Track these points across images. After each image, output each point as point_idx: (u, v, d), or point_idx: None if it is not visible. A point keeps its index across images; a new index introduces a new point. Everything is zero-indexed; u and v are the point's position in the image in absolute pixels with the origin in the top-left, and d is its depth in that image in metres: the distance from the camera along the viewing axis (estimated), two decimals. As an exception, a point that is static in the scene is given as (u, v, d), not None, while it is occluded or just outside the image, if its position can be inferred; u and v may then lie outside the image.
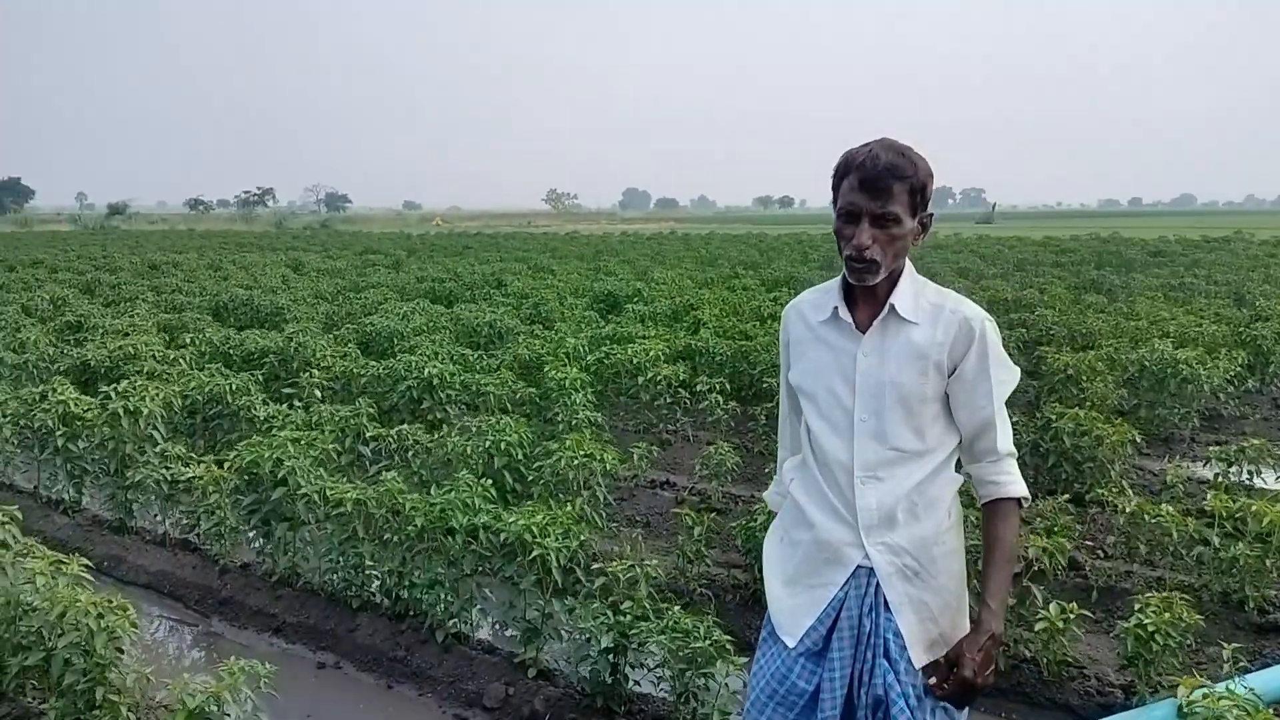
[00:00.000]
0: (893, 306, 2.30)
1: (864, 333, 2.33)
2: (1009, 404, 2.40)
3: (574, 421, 6.76)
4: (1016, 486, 2.36)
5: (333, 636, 4.64)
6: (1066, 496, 5.08)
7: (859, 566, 2.32)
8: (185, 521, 5.56)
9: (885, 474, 2.31)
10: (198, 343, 9.09)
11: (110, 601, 3.63)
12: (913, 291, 2.35)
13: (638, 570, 3.88)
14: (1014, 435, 5.85)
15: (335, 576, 4.79)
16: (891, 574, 2.30)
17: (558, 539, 3.99)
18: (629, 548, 5.35)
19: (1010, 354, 7.48)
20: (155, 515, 5.84)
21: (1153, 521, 4.72)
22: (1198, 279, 16.77)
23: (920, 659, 2.30)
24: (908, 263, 2.36)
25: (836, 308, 2.36)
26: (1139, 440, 6.06)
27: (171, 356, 8.20)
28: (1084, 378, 7.39)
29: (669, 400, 7.84)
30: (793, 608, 2.39)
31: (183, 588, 5.26)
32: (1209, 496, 4.71)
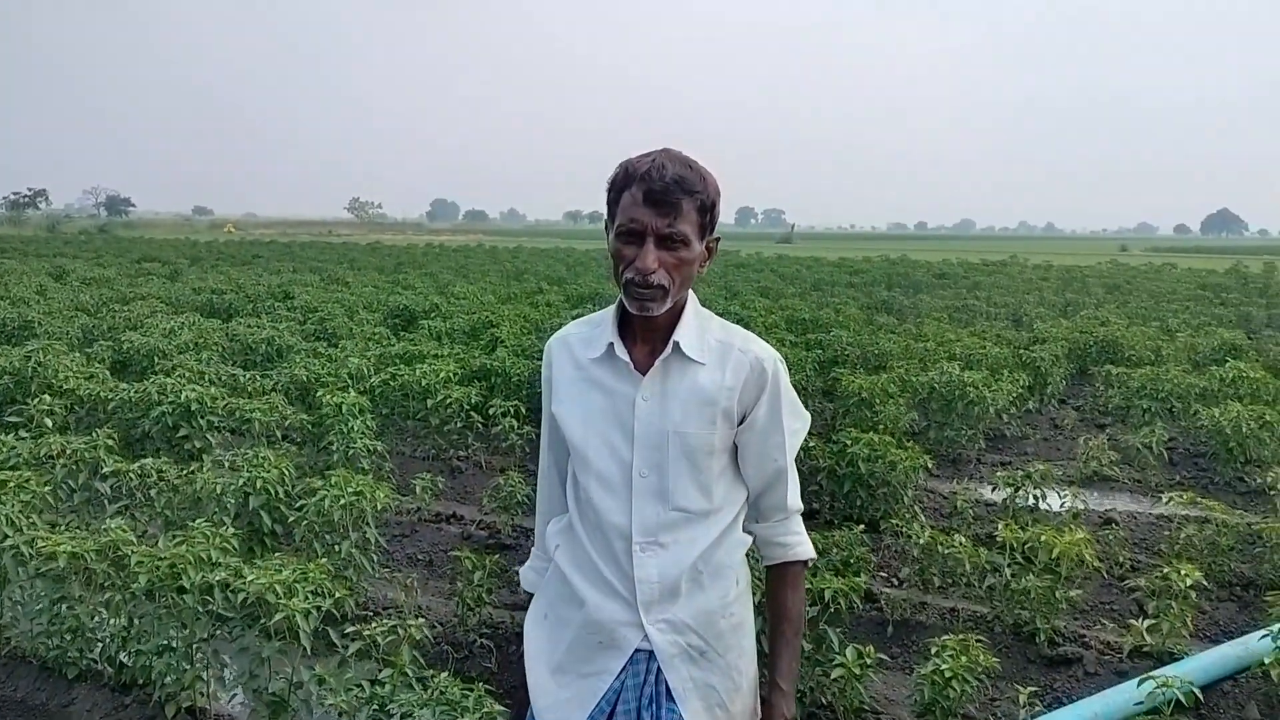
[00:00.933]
0: (677, 344, 1.98)
1: (644, 374, 2.00)
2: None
3: (350, 451, 6.19)
4: (805, 548, 2.09)
5: (44, 713, 3.94)
6: (862, 526, 4.94)
7: (637, 650, 1.97)
8: None
9: (668, 539, 1.98)
10: (-88, 362, 7.91)
11: None
12: (698, 327, 2.04)
13: (400, 632, 3.41)
14: (812, 460, 5.63)
15: (49, 641, 4.08)
16: (674, 656, 1.97)
17: (307, 598, 3.48)
18: (404, 594, 4.89)
19: (808, 375, 7.39)
20: None
21: (946, 552, 4.64)
22: (979, 301, 17.64)
23: (708, 753, 1.98)
24: (692, 295, 2.05)
25: (612, 344, 2.02)
26: (929, 464, 6.07)
27: None
28: (877, 400, 7.42)
29: (460, 425, 7.37)
30: (561, 701, 2.02)
31: None
32: (1000, 527, 4.68)
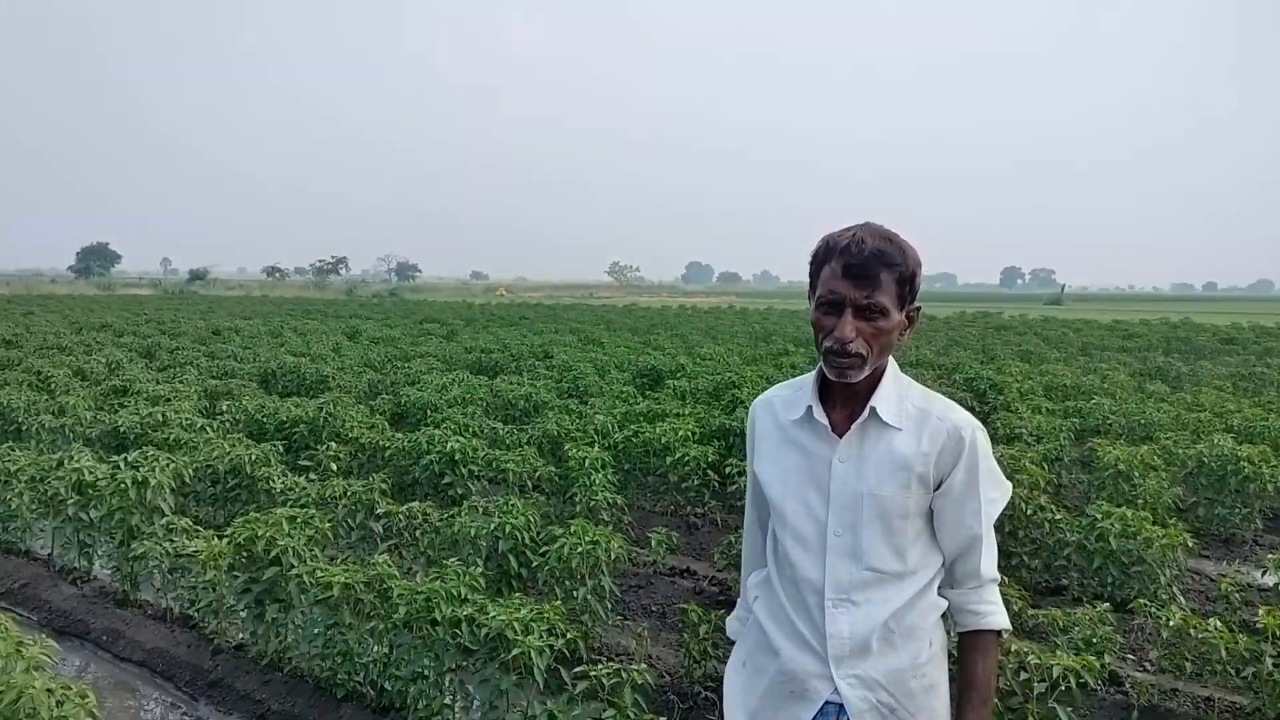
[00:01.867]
0: (874, 409, 2.07)
1: (840, 436, 2.10)
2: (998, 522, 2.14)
3: (592, 503, 6.53)
4: (998, 617, 2.10)
5: (316, 727, 4.42)
6: (1107, 605, 4.69)
7: (828, 702, 2.06)
8: (187, 597, 5.42)
9: (860, 597, 2.06)
10: (233, 410, 9.07)
11: (69, 687, 3.47)
12: (896, 393, 2.12)
13: (624, 675, 3.60)
14: (1060, 533, 5.45)
15: (323, 663, 4.59)
16: (865, 711, 2.04)
17: (541, 636, 3.75)
18: (635, 643, 5.10)
19: (1063, 445, 7.09)
20: (159, 589, 5.71)
21: (1200, 636, 4.33)
22: (1270, 369, 16.08)
23: (892, 808, 2.02)
24: (891, 361, 2.14)
25: (810, 407, 2.14)
26: (1191, 544, 5.64)
27: (199, 424, 8.15)
28: (1136, 473, 6.97)
29: (698, 482, 7.57)
30: None
31: (175, 667, 5.10)
32: (1260, 613, 4.31)
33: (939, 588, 2.15)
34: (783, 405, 2.23)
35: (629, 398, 10.76)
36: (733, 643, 2.38)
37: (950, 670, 2.17)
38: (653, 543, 6.20)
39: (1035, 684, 3.60)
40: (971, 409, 10.34)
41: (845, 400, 2.12)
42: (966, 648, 2.12)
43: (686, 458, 7.51)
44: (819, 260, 2.07)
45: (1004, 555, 5.98)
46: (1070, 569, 5.96)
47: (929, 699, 2.08)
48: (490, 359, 15.86)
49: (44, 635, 3.74)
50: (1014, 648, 3.70)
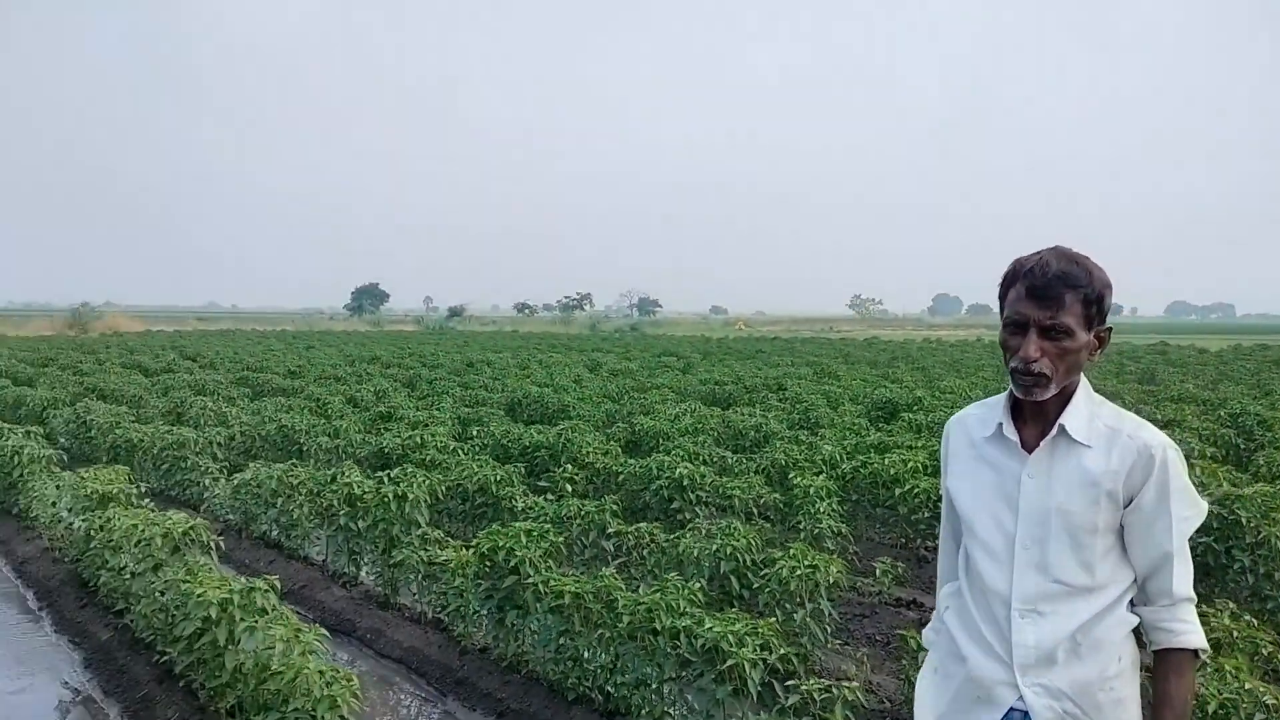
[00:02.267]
0: (1063, 427, 2.13)
1: (1030, 453, 2.17)
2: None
3: (816, 530, 6.61)
4: (1193, 636, 2.08)
5: (548, 726, 4.76)
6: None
7: (1012, 709, 2.12)
8: (438, 602, 5.94)
9: (1047, 609, 2.11)
10: (481, 435, 9.78)
11: (337, 670, 3.95)
12: (1087, 412, 2.15)
13: (835, 691, 3.70)
14: None
15: (555, 666, 4.92)
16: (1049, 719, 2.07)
17: (755, 650, 3.90)
18: (854, 667, 5.14)
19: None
20: (415, 594, 6.27)
21: None
22: None
23: (1079, 818, 2.05)
24: (1083, 380, 2.18)
25: (1001, 424, 2.21)
26: None
27: (452, 447, 8.86)
28: None
29: (928, 515, 7.47)
30: None
31: (428, 665, 5.60)
32: None
33: (1132, 604, 2.16)
34: (976, 423, 2.30)
35: (860, 430, 10.72)
36: None
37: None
38: (877, 572, 6.21)
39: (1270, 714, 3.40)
40: (1235, 446, 9.61)
41: (1036, 418, 2.18)
42: (1160, 666, 2.11)
43: (916, 490, 7.44)
44: (1006, 283, 2.15)
45: (1257, 598, 5.58)
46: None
47: (1117, 712, 2.08)
48: (724, 391, 16.15)
49: (318, 627, 4.27)
50: (1249, 685, 3.51)
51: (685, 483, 7.40)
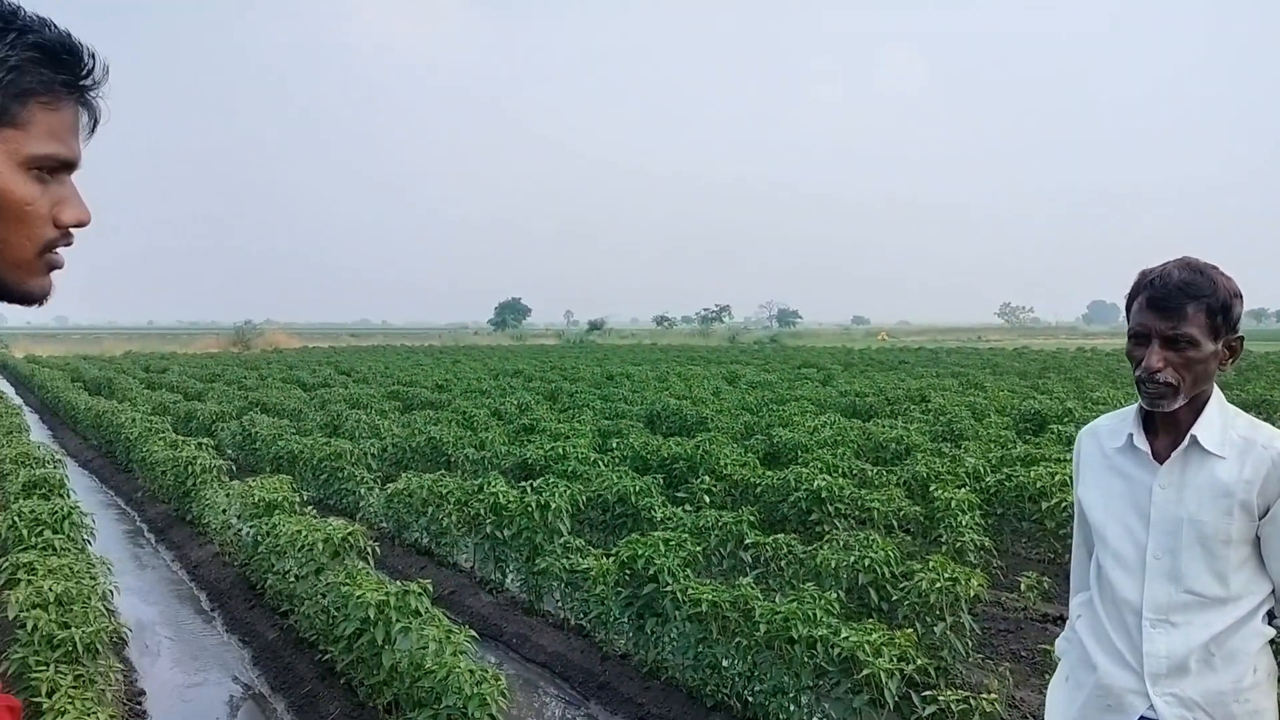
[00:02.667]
0: (1195, 438, 2.12)
1: (1161, 464, 2.16)
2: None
3: (959, 544, 6.51)
4: None
5: (688, 732, 4.86)
6: None
7: (1142, 717, 2.11)
8: (580, 609, 6.13)
9: (1179, 619, 2.10)
10: (621, 447, 9.98)
11: (485, 670, 4.15)
12: (1220, 422, 2.14)
13: (972, 703, 3.68)
14: None
15: (694, 673, 5.02)
16: None
17: (891, 660, 3.91)
18: (997, 682, 5.06)
19: None
20: (558, 601, 6.48)
21: None
22: None
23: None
24: (1216, 391, 2.16)
25: (1132, 435, 2.21)
26: None
27: (592, 458, 9.08)
28: None
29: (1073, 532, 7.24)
30: None
31: (571, 669, 5.79)
32: None
33: (1271, 616, 2.12)
34: (1107, 434, 2.31)
35: (1006, 442, 10.46)
36: None
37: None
38: (1022, 587, 6.08)
39: None
40: None
41: (1167, 429, 2.17)
42: (1304, 678, 2.07)
43: (1064, 504, 7.23)
44: (1132, 294, 2.16)
45: None
46: None
47: None
48: (864, 402, 15.96)
49: (467, 629, 4.49)
50: None
51: (823, 495, 7.39)
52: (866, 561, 5.46)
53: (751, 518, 6.58)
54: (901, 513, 7.13)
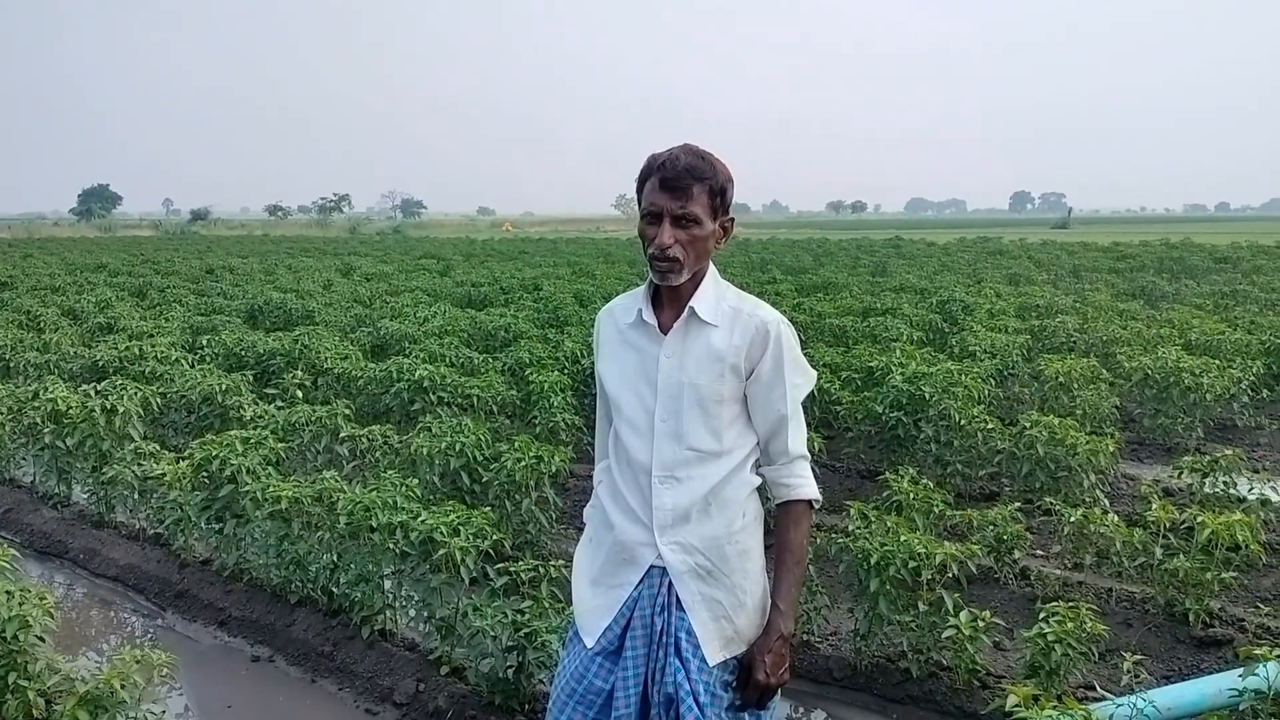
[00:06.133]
0: (693, 309, 2.31)
1: (667, 335, 2.34)
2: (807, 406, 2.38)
3: (551, 424, 6.81)
4: (807, 489, 2.35)
5: (271, 631, 4.75)
6: (1017, 505, 4.97)
7: (653, 566, 2.33)
8: (156, 516, 5.74)
9: (682, 474, 2.32)
10: (212, 344, 9.35)
11: (29, 590, 3.77)
12: (714, 295, 2.35)
13: (541, 570, 3.90)
14: (992, 442, 5.83)
15: (277, 572, 4.89)
16: (683, 572, 2.30)
17: (467, 538, 4.03)
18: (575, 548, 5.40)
19: (1016, 360, 7.35)
20: (130, 510, 6.03)
21: (1098, 530, 4.61)
22: (1253, 287, 16.20)
23: (715, 657, 2.30)
24: (711, 266, 2.37)
25: (641, 310, 2.37)
26: (1115, 450, 5.88)
27: (175, 358, 8.44)
28: (1076, 385, 7.21)
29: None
30: (593, 608, 2.40)
31: (146, 581, 5.43)
32: (1154, 506, 4.58)
33: (756, 466, 2.41)
34: (621, 311, 2.47)
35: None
36: None
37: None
38: (607, 459, 6.48)
39: (924, 571, 3.87)
40: (941, 330, 10.55)
41: (672, 304, 2.36)
42: (781, 517, 2.38)
43: (648, 380, 7.75)
44: (643, 177, 2.29)
45: (939, 464, 6.23)
46: (1003, 476, 6.23)
47: (741, 561, 2.34)
48: (479, 292, 16.09)
49: (8, 548, 4.04)
50: (905, 538, 3.97)
51: (425, 384, 7.38)
52: (459, 446, 5.55)
53: (348, 410, 6.45)
54: (500, 398, 7.31)
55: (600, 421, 2.61)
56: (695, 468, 2.32)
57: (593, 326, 2.71)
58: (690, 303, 2.31)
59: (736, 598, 2.32)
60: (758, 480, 2.40)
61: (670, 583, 2.31)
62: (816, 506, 2.42)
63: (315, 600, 4.79)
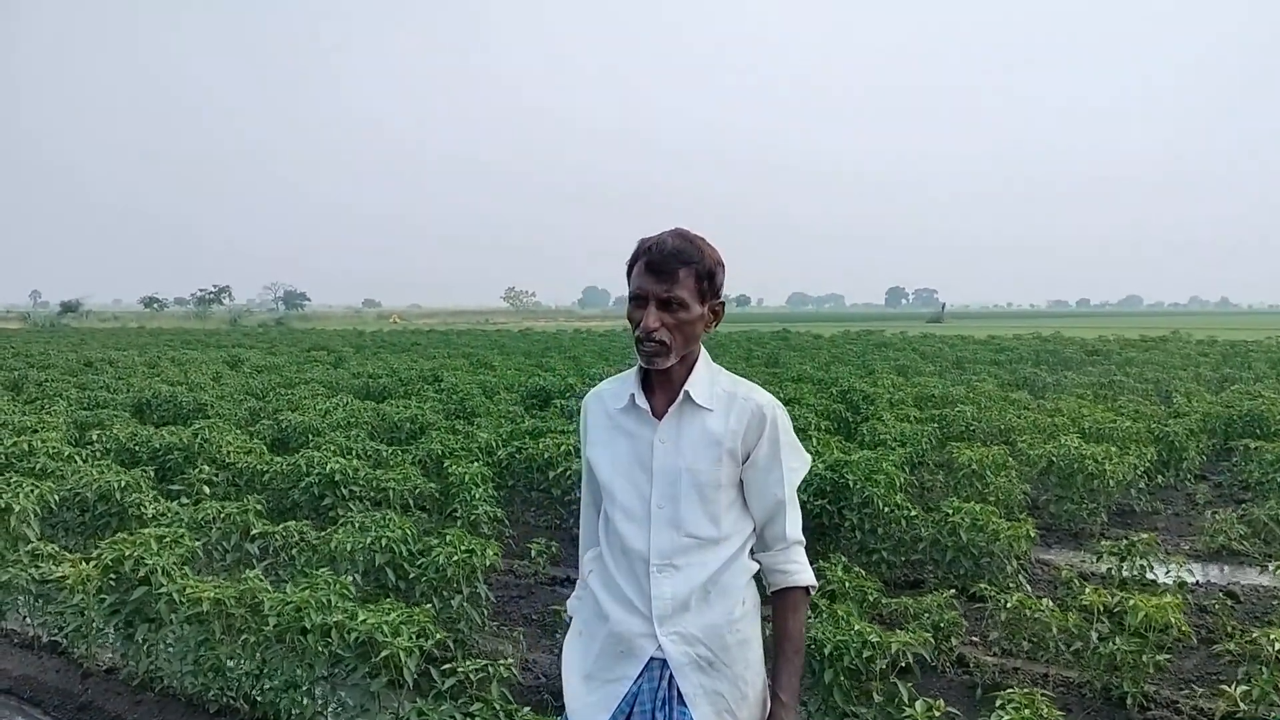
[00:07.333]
0: (688, 393, 2.30)
1: (661, 419, 2.32)
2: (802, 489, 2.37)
3: (473, 516, 6.64)
4: (804, 575, 2.33)
5: (188, 744, 4.43)
6: (953, 592, 5.03)
7: (652, 658, 2.26)
8: (54, 623, 5.33)
9: (681, 562, 2.28)
10: (103, 439, 8.88)
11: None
12: (708, 379, 2.35)
13: (490, 670, 3.74)
14: (916, 529, 5.88)
15: (195, 679, 4.58)
16: (685, 664, 2.24)
17: (411, 638, 3.86)
18: (512, 648, 5.23)
19: (924, 449, 7.51)
20: (24, 617, 5.60)
21: (1034, 616, 4.68)
22: (1128, 377, 17.06)
23: (719, 753, 2.22)
24: (703, 350, 2.37)
25: (634, 395, 2.35)
26: (1033, 535, 6.04)
27: (67, 453, 7.98)
28: (989, 472, 7.41)
29: (579, 497, 7.71)
30: (588, 705, 2.31)
31: (44, 693, 5.01)
32: (1087, 591, 4.69)
33: (752, 552, 2.38)
34: (610, 396, 2.44)
35: (516, 417, 10.88)
36: None
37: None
38: (533, 553, 6.34)
39: (878, 661, 3.86)
40: (845, 419, 10.76)
41: (664, 388, 2.34)
42: (779, 604, 2.35)
43: (568, 471, 7.67)
44: (631, 262, 2.30)
45: (864, 552, 6.28)
46: (927, 562, 6.31)
47: (743, 651, 2.29)
48: (378, 384, 15.77)
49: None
50: (857, 627, 3.97)
51: (337, 478, 7.12)
52: (384, 541, 5.34)
53: (258, 506, 6.17)
54: (417, 490, 7.11)
55: (587, 509, 2.55)
56: (694, 555, 2.28)
57: (577, 413, 2.67)
58: (685, 387, 2.30)
59: (739, 689, 2.27)
60: (755, 566, 2.37)
61: (671, 676, 2.24)
62: (813, 593, 2.40)
63: (237, 709, 4.50)
